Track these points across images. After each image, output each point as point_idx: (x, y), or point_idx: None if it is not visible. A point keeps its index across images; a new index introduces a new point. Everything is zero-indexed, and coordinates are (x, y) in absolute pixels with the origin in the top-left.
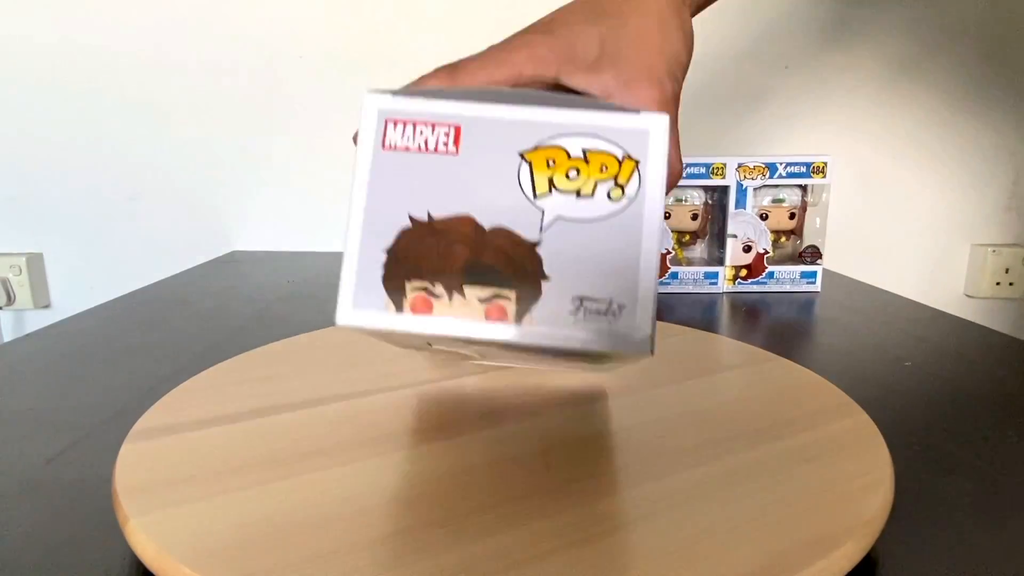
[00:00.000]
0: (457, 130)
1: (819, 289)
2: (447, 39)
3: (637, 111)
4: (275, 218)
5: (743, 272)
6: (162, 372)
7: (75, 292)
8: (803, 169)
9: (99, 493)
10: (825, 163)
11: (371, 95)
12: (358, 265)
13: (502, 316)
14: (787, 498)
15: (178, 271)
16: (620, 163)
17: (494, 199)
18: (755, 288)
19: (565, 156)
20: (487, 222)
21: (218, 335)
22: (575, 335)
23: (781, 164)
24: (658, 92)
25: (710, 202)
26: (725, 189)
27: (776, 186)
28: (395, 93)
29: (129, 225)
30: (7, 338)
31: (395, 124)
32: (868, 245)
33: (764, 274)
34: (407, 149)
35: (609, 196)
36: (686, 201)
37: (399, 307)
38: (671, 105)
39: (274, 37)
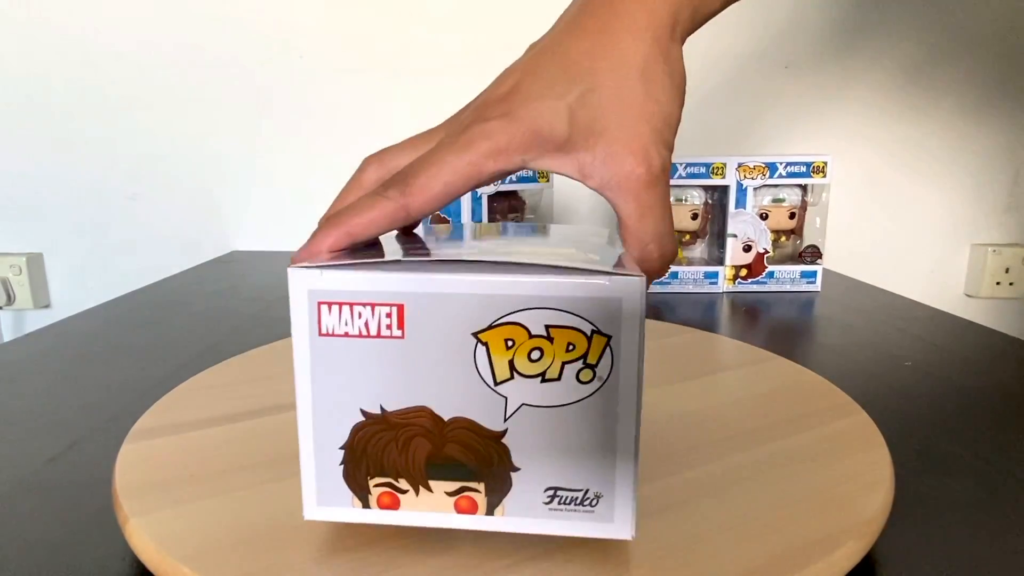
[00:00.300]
0: (400, 309)
1: (819, 289)
2: (448, 39)
3: (608, 275)
4: (275, 218)
5: (743, 272)
6: (162, 372)
7: (75, 292)
8: (803, 169)
9: (99, 493)
10: (825, 163)
11: (296, 271)
12: (315, 465)
13: (472, 509)
14: (786, 498)
15: (178, 271)
16: (589, 340)
17: (451, 387)
18: (755, 288)
19: (526, 335)
20: (445, 412)
21: (218, 335)
22: (551, 524)
23: (781, 164)
24: (643, 168)
25: (710, 202)
26: (725, 189)
27: (776, 186)
28: (323, 267)
29: (129, 225)
30: (7, 338)
31: (329, 307)
32: (868, 245)
33: (764, 274)
34: (346, 335)
35: (578, 378)
36: (686, 201)
37: (365, 503)
38: (660, 181)
39: (274, 37)
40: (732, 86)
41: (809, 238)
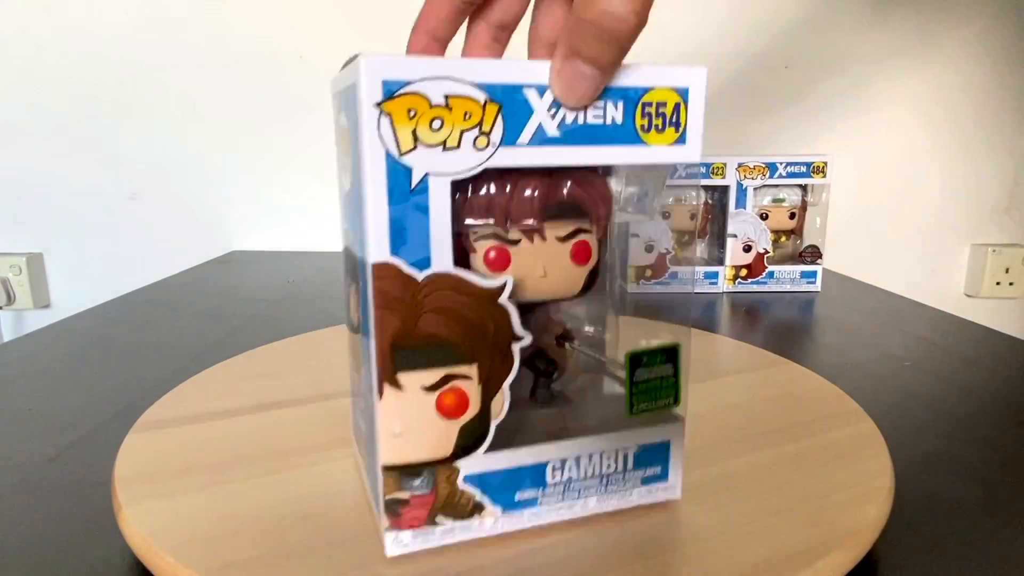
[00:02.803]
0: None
1: (819, 289)
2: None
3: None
4: (275, 218)
5: (743, 272)
6: (162, 372)
7: (75, 292)
8: (803, 169)
9: (99, 492)
10: (825, 163)
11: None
12: None
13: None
14: (779, 505)
15: (178, 271)
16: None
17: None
18: (755, 288)
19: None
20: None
21: (218, 335)
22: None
23: (781, 164)
24: None
25: (710, 202)
26: (725, 189)
27: (776, 186)
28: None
29: (129, 225)
30: (7, 338)
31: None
32: (868, 245)
33: (764, 274)
34: None
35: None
36: (686, 201)
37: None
38: None
39: (274, 37)
40: (732, 86)
41: (809, 238)
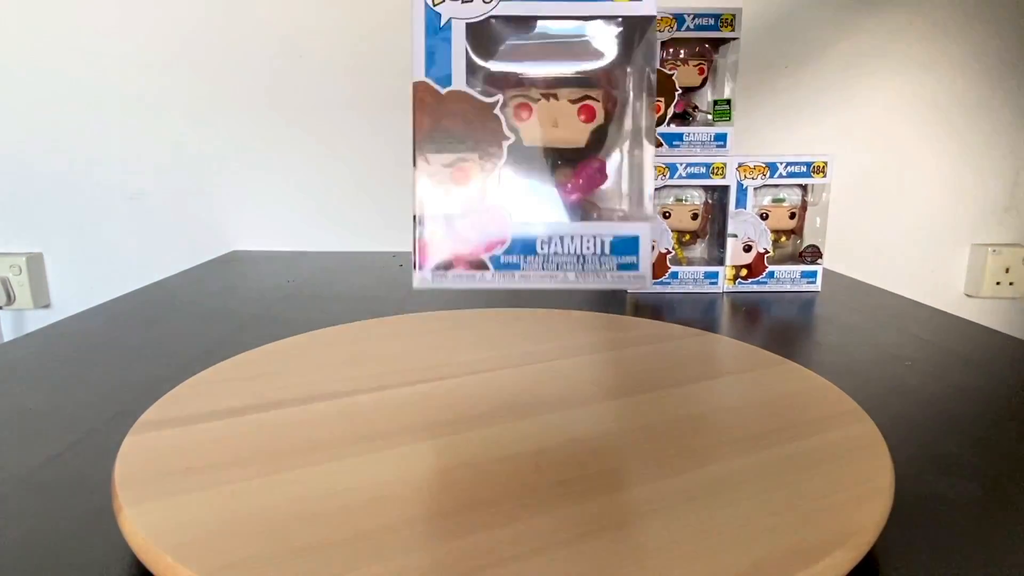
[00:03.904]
0: None
1: (819, 289)
2: None
3: None
4: (275, 218)
5: (743, 272)
6: (162, 372)
7: (75, 292)
8: (803, 169)
9: (99, 492)
10: (825, 163)
11: None
12: None
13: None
14: (778, 505)
15: (178, 271)
16: None
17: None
18: (755, 288)
19: None
20: None
21: (218, 335)
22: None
23: (781, 164)
24: None
25: (710, 202)
26: (725, 189)
27: (776, 186)
28: None
29: (129, 225)
30: (7, 338)
31: None
32: (868, 245)
33: (764, 274)
34: None
35: None
36: (686, 201)
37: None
38: None
39: (274, 37)
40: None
41: (809, 238)
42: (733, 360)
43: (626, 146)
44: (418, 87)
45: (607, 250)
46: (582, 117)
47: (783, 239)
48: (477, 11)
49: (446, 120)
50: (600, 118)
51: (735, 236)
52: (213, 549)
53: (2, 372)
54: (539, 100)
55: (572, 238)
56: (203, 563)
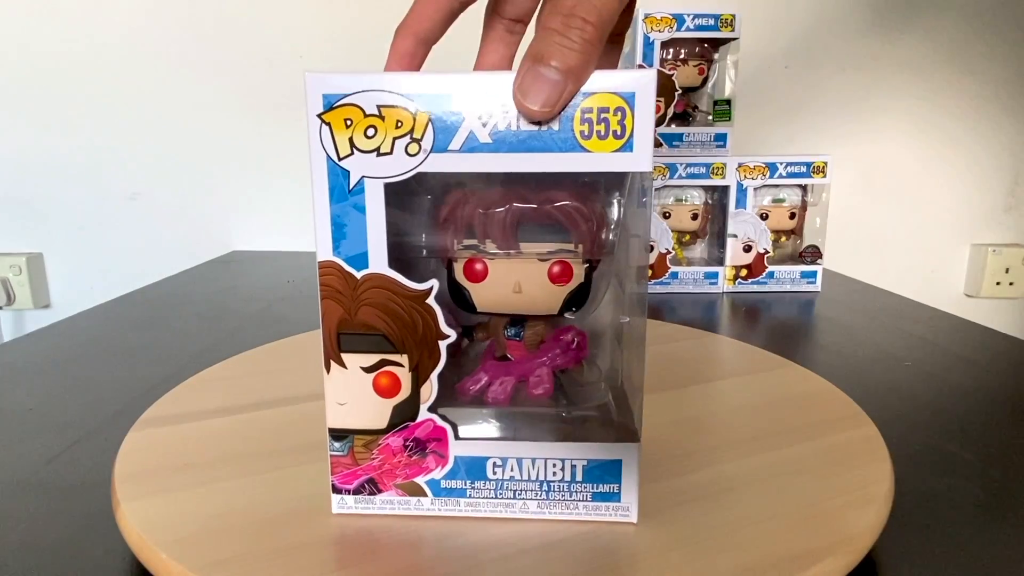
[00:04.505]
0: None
1: (819, 289)
2: (447, 40)
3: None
4: (275, 218)
5: (743, 272)
6: (162, 372)
7: (75, 292)
8: (803, 169)
9: (99, 493)
10: (825, 163)
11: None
12: None
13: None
14: (773, 510)
15: (178, 271)
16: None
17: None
18: (755, 288)
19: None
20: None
21: (218, 335)
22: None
23: (781, 164)
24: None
25: (710, 202)
26: (725, 189)
27: (776, 186)
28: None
29: (129, 225)
30: (7, 338)
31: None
32: (868, 245)
33: (764, 274)
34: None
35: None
36: (686, 201)
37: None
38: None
39: (273, 37)
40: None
41: (809, 238)
42: (733, 361)
43: (612, 308)
44: (324, 269)
45: (579, 476)
46: (554, 280)
47: (783, 239)
48: (399, 167)
49: (363, 313)
50: (579, 277)
51: (735, 236)
52: (207, 546)
53: (2, 372)
54: (495, 256)
55: (534, 461)
56: (196, 559)
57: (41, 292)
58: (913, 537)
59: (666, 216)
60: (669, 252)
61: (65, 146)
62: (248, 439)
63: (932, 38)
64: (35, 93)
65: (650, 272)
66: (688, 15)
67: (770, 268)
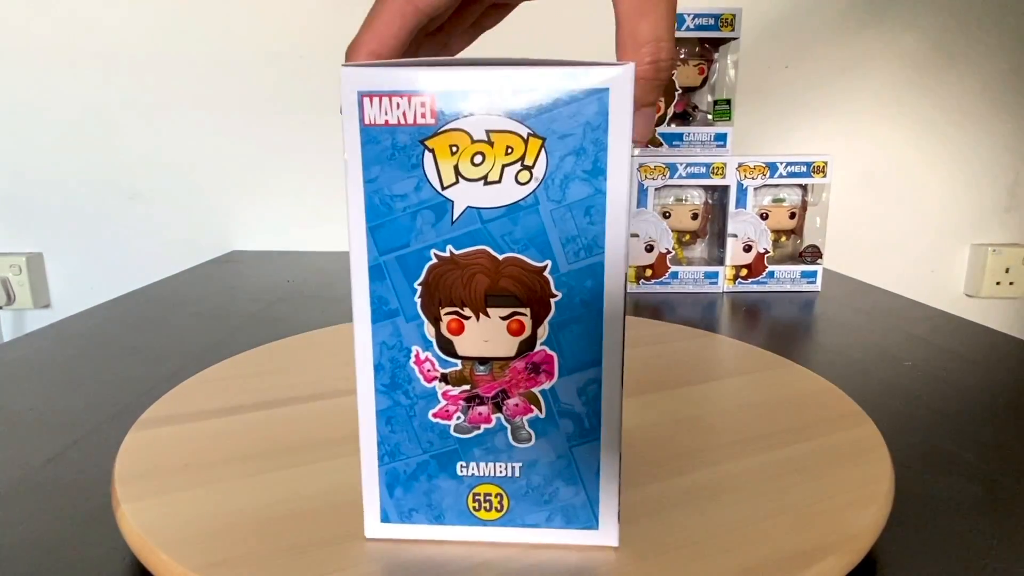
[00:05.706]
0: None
1: (819, 289)
2: None
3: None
4: (275, 218)
5: (743, 272)
6: (162, 372)
7: (75, 292)
8: (803, 169)
9: (99, 492)
10: (825, 163)
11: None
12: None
13: (520, 330)
14: (773, 509)
15: (178, 271)
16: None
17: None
18: (755, 288)
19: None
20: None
21: (218, 335)
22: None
23: (781, 164)
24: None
25: (710, 202)
26: (725, 189)
27: (776, 186)
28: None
29: (129, 225)
30: (7, 338)
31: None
32: (868, 245)
33: (764, 274)
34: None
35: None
36: (686, 201)
37: (438, 329)
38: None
39: (274, 37)
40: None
41: (809, 238)
42: (733, 361)
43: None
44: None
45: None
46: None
47: (783, 239)
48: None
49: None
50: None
51: (735, 236)
52: (207, 546)
53: (2, 372)
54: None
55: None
56: (196, 560)
57: (41, 292)
58: (913, 537)
59: (666, 216)
60: (669, 252)
61: (65, 146)
62: (248, 439)
63: (932, 38)
64: (35, 92)
65: (651, 272)
66: (688, 15)
67: (770, 268)
